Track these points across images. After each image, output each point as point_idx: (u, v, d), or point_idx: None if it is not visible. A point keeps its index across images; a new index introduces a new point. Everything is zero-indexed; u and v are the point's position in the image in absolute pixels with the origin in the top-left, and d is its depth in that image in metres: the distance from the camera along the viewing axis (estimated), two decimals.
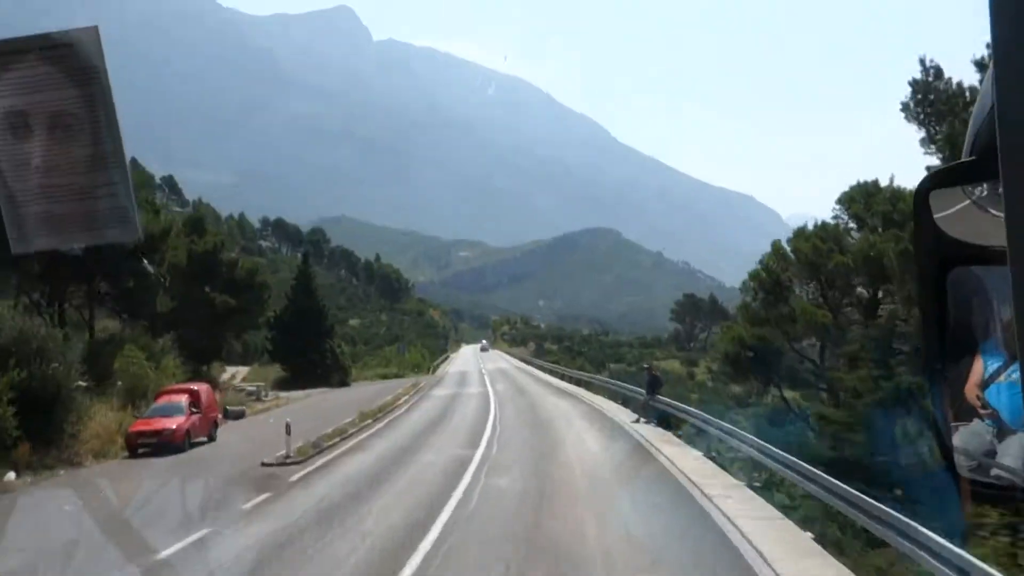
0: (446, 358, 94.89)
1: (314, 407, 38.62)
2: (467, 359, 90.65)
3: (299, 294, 55.82)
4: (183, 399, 25.41)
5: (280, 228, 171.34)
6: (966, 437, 1.21)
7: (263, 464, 19.96)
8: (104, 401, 29.58)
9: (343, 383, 53.86)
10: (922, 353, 1.25)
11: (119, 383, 30.83)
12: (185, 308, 50.37)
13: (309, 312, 54.28)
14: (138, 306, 39.81)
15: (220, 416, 34.71)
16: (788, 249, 27.56)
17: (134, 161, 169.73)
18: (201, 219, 53.27)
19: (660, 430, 22.79)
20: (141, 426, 24.02)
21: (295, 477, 17.93)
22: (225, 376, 60.06)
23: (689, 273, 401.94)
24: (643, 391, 25.92)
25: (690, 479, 15.20)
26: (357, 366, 67.66)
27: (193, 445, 24.97)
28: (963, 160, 1.09)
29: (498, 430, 24.21)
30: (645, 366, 27.43)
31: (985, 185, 1.09)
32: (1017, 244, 0.79)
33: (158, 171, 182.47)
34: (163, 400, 25.67)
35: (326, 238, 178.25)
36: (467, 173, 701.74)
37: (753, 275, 28.72)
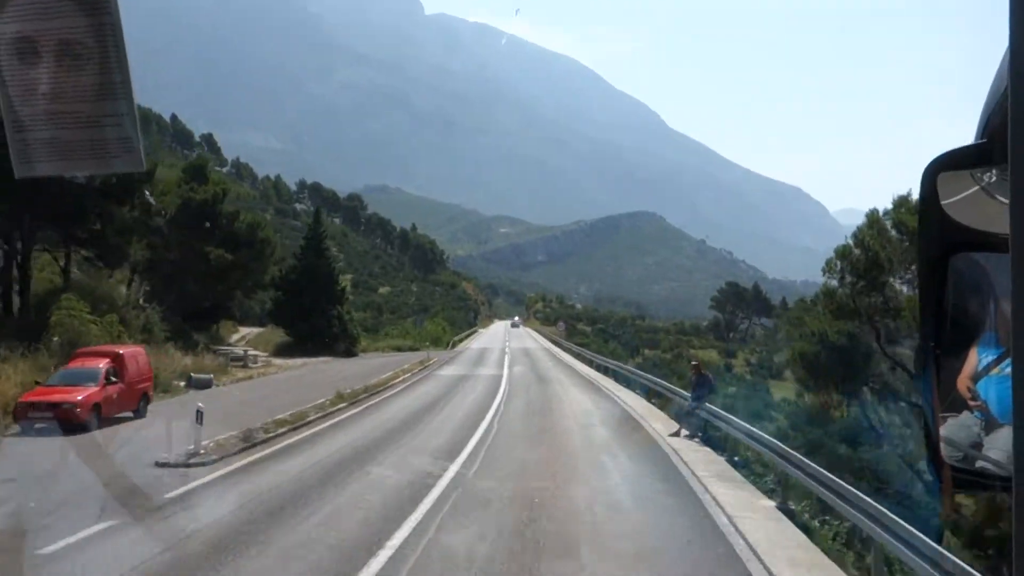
0: (473, 332, 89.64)
1: (298, 380, 33.07)
2: (494, 336, 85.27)
3: (308, 253, 50.22)
4: (100, 365, 19.85)
5: (316, 192, 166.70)
6: (954, 428, 1.20)
7: (158, 463, 14.27)
8: (32, 360, 24.33)
9: (350, 353, 48.38)
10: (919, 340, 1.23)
11: (54, 339, 25.46)
12: (180, 261, 45.18)
13: (317, 273, 48.73)
14: (109, 252, 34.42)
15: (183, 384, 29.46)
16: (888, 223, 21.00)
17: (175, 118, 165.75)
18: (203, 167, 47.87)
19: (707, 451, 16.64)
20: (36, 396, 18.53)
21: (174, 493, 12.17)
22: (235, 337, 55.16)
23: (731, 262, 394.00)
24: (685, 394, 19.94)
25: None
26: (374, 335, 62.33)
27: (112, 421, 19.50)
28: (973, 143, 1.06)
29: (492, 433, 18.27)
30: (692, 363, 21.11)
31: (994, 171, 1.07)
32: (1020, 231, 0.78)
33: (216, 129, 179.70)
34: (76, 364, 20.15)
35: (363, 205, 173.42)
36: (514, 149, 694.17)
37: (841, 252, 22.10)
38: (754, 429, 14.03)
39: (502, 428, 19.03)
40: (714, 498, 12.00)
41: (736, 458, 15.59)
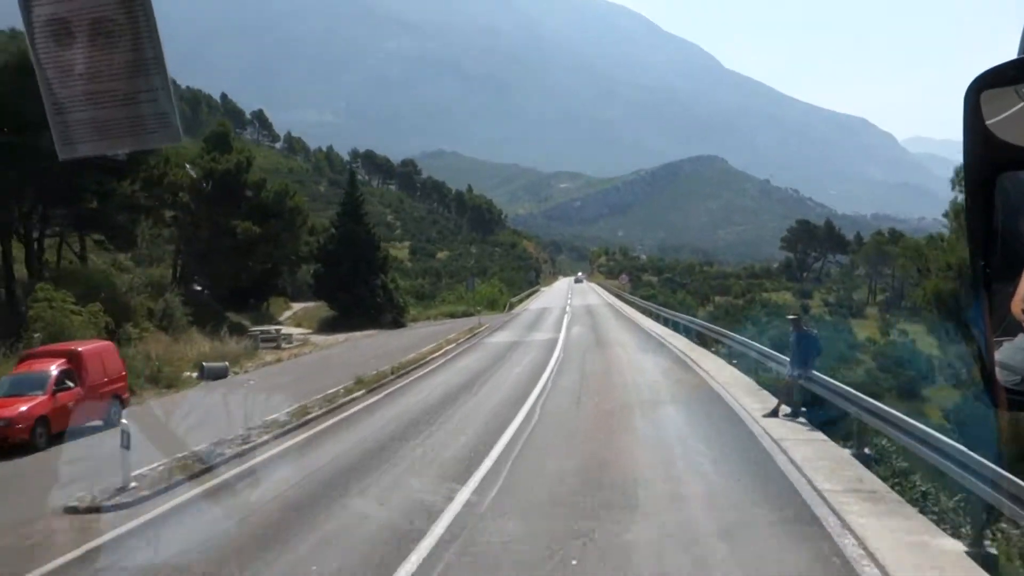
0: (534, 292, 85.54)
1: (328, 361, 29.22)
2: (556, 294, 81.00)
3: (346, 220, 46.23)
4: (51, 368, 16.05)
5: (370, 160, 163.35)
6: (1010, 352, 1.17)
7: (67, 509, 10.32)
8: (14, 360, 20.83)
9: (397, 324, 44.46)
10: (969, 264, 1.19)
11: (35, 335, 21.93)
12: (209, 238, 41.76)
13: (356, 240, 44.76)
14: (116, 233, 30.89)
15: (196, 375, 25.85)
16: None
17: (224, 97, 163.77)
18: (225, 134, 44.06)
19: (820, 439, 11.91)
20: None
21: (42, 571, 8.13)
22: (287, 314, 52.09)
23: (798, 200, 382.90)
24: (780, 357, 15.23)
25: None
26: (430, 303, 58.55)
27: (76, 434, 15.77)
28: (1016, 58, 1.02)
29: (530, 428, 13.83)
30: (789, 316, 15.99)
31: None
32: None
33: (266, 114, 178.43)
34: (23, 369, 16.41)
35: (417, 169, 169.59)
36: (569, 104, 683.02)
37: None
38: (919, 426, 8.99)
39: (544, 420, 14.59)
40: (861, 543, 7.34)
41: (867, 451, 10.83)
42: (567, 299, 64.29)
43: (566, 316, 43.37)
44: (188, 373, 26.17)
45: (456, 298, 59.00)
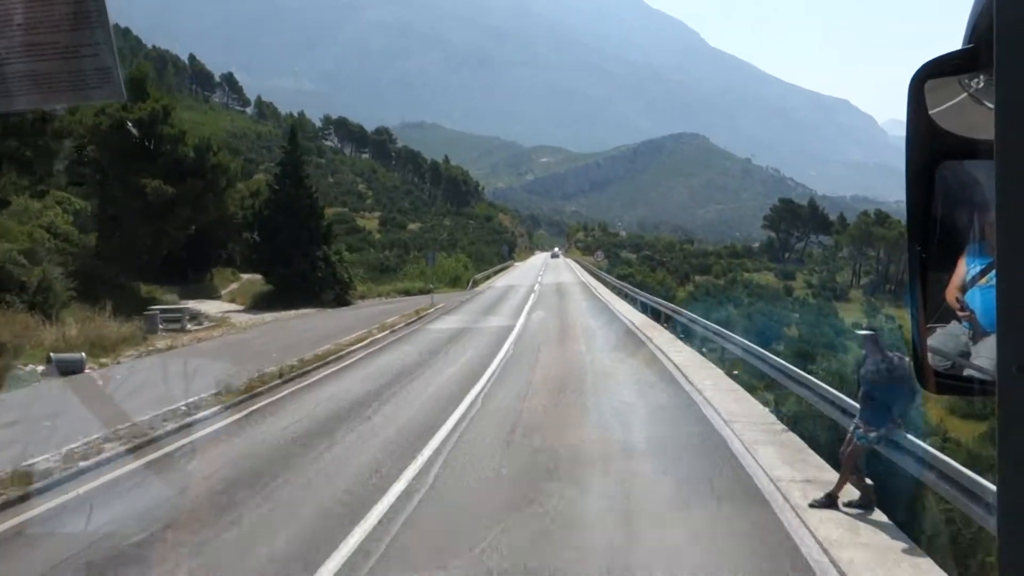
0: (506, 268, 79.78)
1: (226, 351, 23.24)
2: (529, 270, 75.39)
3: (285, 183, 39.86)
4: None
5: (343, 128, 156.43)
6: (942, 338, 1.21)
7: None
8: None
9: (342, 301, 38.40)
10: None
11: None
12: (118, 199, 35.50)
13: (296, 206, 38.52)
14: None
15: (43, 368, 19.87)
16: None
17: (193, 58, 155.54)
18: (141, 80, 37.46)
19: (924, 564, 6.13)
20: None
21: None
22: (234, 287, 46.11)
23: (779, 180, 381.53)
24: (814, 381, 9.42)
25: None
26: (393, 276, 52.61)
27: None
28: (960, 48, 1.04)
29: (405, 515, 7.88)
30: (863, 332, 9.12)
31: (981, 76, 1.05)
32: (1004, 135, 0.78)
33: (243, 81, 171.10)
34: None
35: (392, 138, 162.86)
36: (552, 79, 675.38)
37: None
38: None
39: (443, 488, 8.73)
40: None
41: None
42: (538, 276, 58.72)
43: (532, 296, 37.67)
44: (33, 366, 20.14)
45: (418, 273, 53.06)
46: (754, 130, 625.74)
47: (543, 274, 63.64)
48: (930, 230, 1.13)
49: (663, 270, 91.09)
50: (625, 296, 35.96)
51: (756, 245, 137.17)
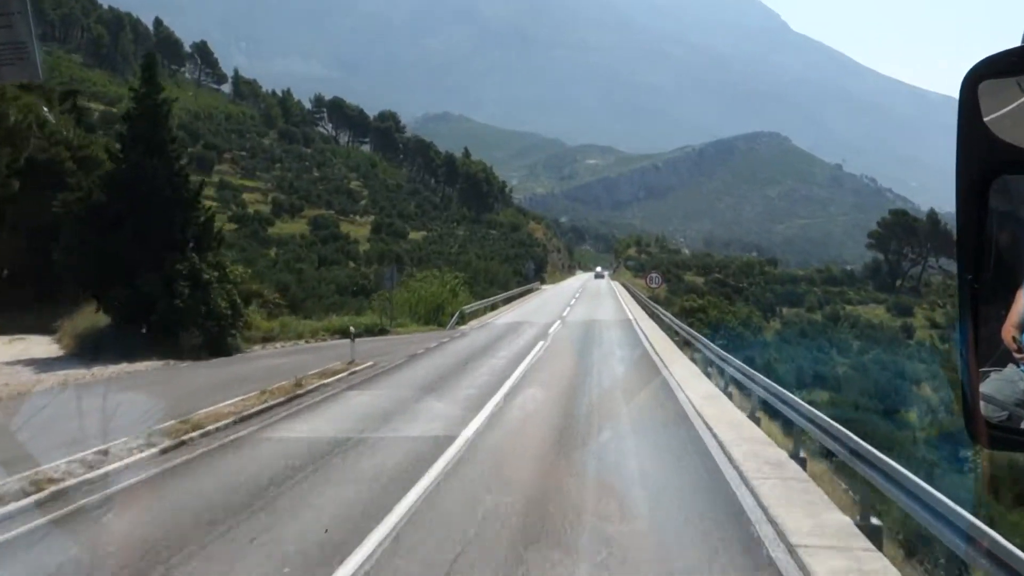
0: (527, 292, 69.07)
1: None
2: (557, 297, 65.05)
3: (134, 149, 28.06)
4: None
5: (338, 111, 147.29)
6: (997, 384, 1.16)
7: None
8: None
9: (218, 346, 26.54)
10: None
11: None
12: None
13: (149, 188, 26.90)
14: None
15: None
16: None
17: (159, 23, 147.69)
18: None
19: None
20: None
21: None
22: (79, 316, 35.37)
23: (875, 191, 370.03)
24: None
25: None
26: (358, 304, 41.87)
27: None
28: (1019, 46, 1.02)
29: None
30: None
31: None
32: None
33: (243, 63, 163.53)
34: None
35: (399, 125, 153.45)
36: (603, 65, 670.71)
37: None
38: None
39: None
40: None
41: None
42: (565, 308, 48.09)
43: (538, 347, 26.68)
44: None
45: (400, 300, 42.35)
46: (844, 131, 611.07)
47: (574, 304, 52.91)
48: (984, 256, 1.07)
49: (741, 300, 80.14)
50: (697, 354, 24.65)
51: (849, 268, 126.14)
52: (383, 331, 33.30)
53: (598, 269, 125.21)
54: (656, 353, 26.25)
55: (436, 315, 39.13)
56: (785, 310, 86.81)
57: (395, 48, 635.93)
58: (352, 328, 24.18)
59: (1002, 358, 1.11)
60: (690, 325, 38.59)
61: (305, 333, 31.07)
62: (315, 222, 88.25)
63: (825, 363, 55.33)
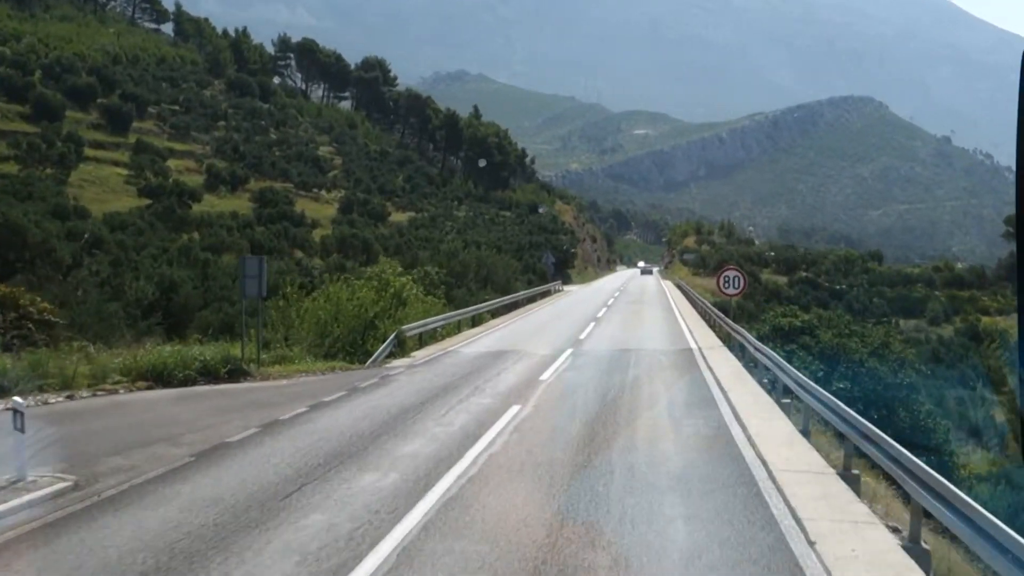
0: (540, 296, 58.89)
1: None
2: (580, 304, 56.39)
3: None
4: None
5: (309, 57, 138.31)
6: None
7: None
8: None
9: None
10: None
11: None
12: None
13: None
14: None
15: None
16: None
17: None
18: None
19: None
20: None
21: None
22: None
23: (992, 171, 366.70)
24: None
25: None
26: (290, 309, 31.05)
27: None
28: None
29: None
30: None
31: None
32: None
33: (215, 9, 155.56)
34: None
35: (389, 77, 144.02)
36: (654, 15, 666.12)
37: None
38: None
39: None
40: None
41: None
42: (588, 324, 37.69)
43: (492, 436, 15.36)
44: None
45: (326, 300, 31.49)
46: (953, 97, 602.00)
47: (603, 317, 42.40)
48: None
49: (841, 307, 69.31)
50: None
51: (980, 266, 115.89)
52: (241, 374, 22.33)
53: (641, 264, 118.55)
54: (751, 438, 14.89)
55: (364, 337, 28.07)
56: (902, 321, 77.00)
57: None
58: (19, 399, 12.56)
59: None
60: (790, 354, 27.82)
61: (80, 378, 20.02)
62: (261, 196, 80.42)
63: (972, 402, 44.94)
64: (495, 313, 44.29)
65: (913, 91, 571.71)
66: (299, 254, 66.03)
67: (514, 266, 62.82)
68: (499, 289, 51.77)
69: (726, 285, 29.82)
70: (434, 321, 31.83)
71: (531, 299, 56.03)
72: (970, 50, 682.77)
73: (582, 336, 32.46)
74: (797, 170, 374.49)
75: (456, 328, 34.59)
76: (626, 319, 42.89)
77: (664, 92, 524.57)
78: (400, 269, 35.95)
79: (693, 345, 30.67)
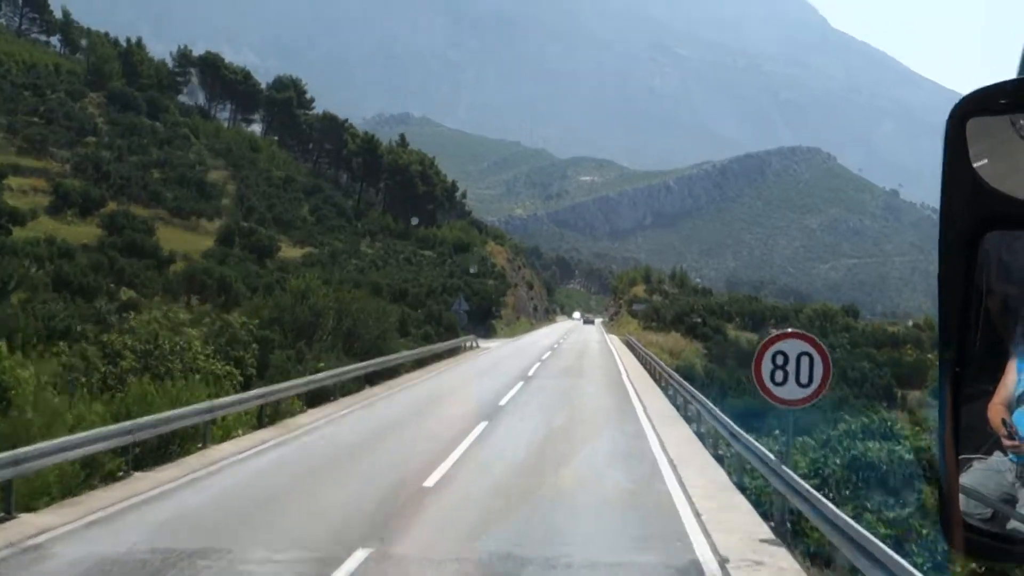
0: (452, 351, 42.14)
1: None
2: (487, 373, 39.94)
3: None
4: None
5: (212, 73, 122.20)
6: (981, 475, 1.15)
7: None
8: None
9: None
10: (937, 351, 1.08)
11: None
12: None
13: None
14: None
15: None
16: None
17: None
18: None
19: None
20: None
21: None
22: None
23: (937, 225, 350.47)
24: None
25: None
26: None
27: None
28: (1015, 78, 1.03)
29: None
30: None
31: None
32: None
33: (156, 47, 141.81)
34: None
35: (305, 99, 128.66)
36: (603, 63, 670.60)
37: None
38: None
39: None
40: None
41: None
42: (473, 428, 20.64)
43: None
44: None
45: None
46: (899, 151, 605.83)
47: (509, 405, 25.54)
48: (968, 324, 1.06)
49: (846, 386, 54.03)
50: None
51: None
52: None
53: (576, 314, 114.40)
54: None
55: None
56: (911, 393, 62.19)
57: (347, 35, 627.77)
58: None
59: (985, 442, 1.11)
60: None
61: None
62: (112, 222, 65.84)
63: None
64: (345, 390, 27.45)
65: (859, 144, 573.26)
66: (131, 294, 50.44)
67: (401, 315, 46.08)
68: (366, 348, 34.79)
69: (783, 378, 11.23)
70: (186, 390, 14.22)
71: (420, 362, 39.36)
72: (914, 107, 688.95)
73: (429, 480, 14.98)
74: (745, 220, 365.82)
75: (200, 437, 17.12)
76: (549, 409, 25.80)
77: (611, 139, 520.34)
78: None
79: (681, 495, 13.46)
